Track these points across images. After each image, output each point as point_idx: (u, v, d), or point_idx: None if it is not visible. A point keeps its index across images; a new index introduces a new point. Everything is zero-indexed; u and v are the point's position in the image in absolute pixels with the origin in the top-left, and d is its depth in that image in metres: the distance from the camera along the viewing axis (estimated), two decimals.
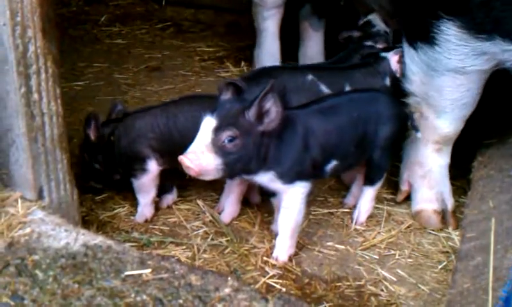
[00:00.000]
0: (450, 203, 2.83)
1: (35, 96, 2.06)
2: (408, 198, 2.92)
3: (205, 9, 5.27)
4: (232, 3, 5.12)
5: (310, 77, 2.79)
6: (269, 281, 2.38)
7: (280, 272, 2.44)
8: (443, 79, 2.54)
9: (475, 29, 2.33)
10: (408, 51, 2.64)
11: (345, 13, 3.68)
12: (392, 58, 2.93)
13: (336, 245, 2.65)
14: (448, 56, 2.45)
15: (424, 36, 2.50)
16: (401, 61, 2.89)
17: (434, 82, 2.57)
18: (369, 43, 3.14)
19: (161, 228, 2.70)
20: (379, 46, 3.12)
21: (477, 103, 2.63)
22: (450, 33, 2.39)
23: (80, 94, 3.95)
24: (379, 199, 2.97)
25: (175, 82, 3.81)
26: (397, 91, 2.96)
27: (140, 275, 1.82)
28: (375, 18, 3.21)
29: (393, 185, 3.05)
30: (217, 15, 5.18)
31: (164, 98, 3.90)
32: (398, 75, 2.92)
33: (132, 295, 1.75)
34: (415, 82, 2.67)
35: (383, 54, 2.96)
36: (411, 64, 2.64)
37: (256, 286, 2.33)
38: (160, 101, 3.85)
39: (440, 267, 2.55)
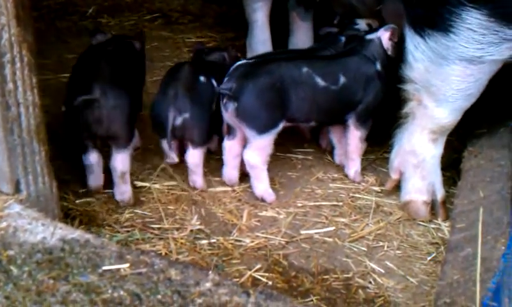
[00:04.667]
0: (440, 194, 2.78)
1: (10, 85, 2.00)
2: (397, 189, 2.87)
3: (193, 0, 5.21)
4: None
5: (305, 69, 2.79)
6: (255, 275, 2.34)
7: (266, 266, 2.39)
8: (453, 68, 2.49)
9: (506, 18, 2.30)
10: (413, 38, 2.58)
11: (321, 9, 3.76)
12: (383, 35, 2.90)
13: (324, 238, 2.60)
14: (466, 45, 2.41)
15: (436, 23, 2.46)
16: (392, 39, 2.90)
17: (442, 70, 2.53)
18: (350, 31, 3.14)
19: (146, 220, 2.65)
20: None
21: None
22: (473, 21, 2.36)
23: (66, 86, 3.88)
24: (367, 190, 2.94)
25: (163, 74, 3.73)
26: (389, 75, 2.95)
27: (118, 270, 1.77)
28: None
29: (381, 177, 3.01)
30: (206, 6, 5.12)
31: (152, 90, 3.84)
32: (390, 53, 2.88)
33: (109, 291, 1.70)
34: (418, 69, 2.61)
35: (369, 36, 2.94)
36: (415, 51, 2.59)
37: (242, 279, 2.29)
38: (148, 93, 3.80)
39: (429, 258, 2.51)
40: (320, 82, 2.81)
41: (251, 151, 2.76)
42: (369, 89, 2.89)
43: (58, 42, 4.54)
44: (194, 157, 2.81)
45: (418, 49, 2.56)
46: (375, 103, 2.92)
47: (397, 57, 2.87)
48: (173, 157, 2.81)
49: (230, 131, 2.83)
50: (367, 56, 2.91)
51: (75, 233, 1.92)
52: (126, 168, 2.72)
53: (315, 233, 2.64)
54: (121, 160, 2.70)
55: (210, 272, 1.78)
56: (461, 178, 2.77)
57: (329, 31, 3.29)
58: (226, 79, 2.79)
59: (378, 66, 2.92)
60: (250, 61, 2.90)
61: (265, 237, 2.57)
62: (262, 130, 2.72)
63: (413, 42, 2.58)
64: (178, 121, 2.72)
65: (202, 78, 2.86)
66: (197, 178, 2.85)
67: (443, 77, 2.53)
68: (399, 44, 2.91)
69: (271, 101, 2.73)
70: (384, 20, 3.14)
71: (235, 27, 4.50)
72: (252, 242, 2.53)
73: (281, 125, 2.78)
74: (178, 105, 2.71)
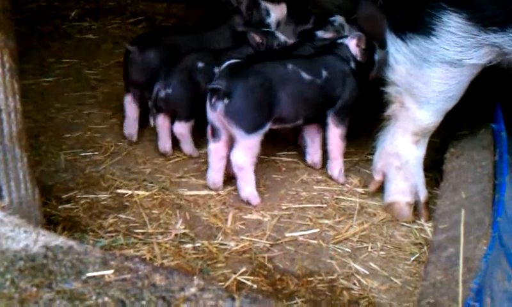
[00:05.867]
0: (423, 195, 2.81)
1: None
2: (381, 190, 2.89)
3: (177, 3, 5.20)
4: None
5: (290, 66, 2.85)
6: (240, 278, 2.34)
7: (251, 269, 2.40)
8: (434, 70, 2.52)
9: (484, 22, 2.32)
10: (394, 41, 2.61)
11: (298, 10, 3.81)
12: (350, 43, 2.98)
13: (309, 240, 2.61)
14: (447, 47, 2.44)
15: (417, 27, 2.48)
16: (359, 45, 2.97)
17: (423, 72, 2.55)
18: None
19: (130, 225, 2.64)
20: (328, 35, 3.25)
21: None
22: (453, 25, 2.38)
23: (48, 91, 3.87)
24: (351, 192, 2.96)
25: None
26: (364, 79, 3.03)
27: (102, 276, 1.75)
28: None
29: (365, 178, 3.02)
30: (190, 9, 5.12)
31: None
32: (359, 59, 2.94)
33: (93, 298, 1.69)
34: (399, 71, 2.64)
35: (340, 40, 3.04)
36: (396, 54, 2.62)
37: (227, 283, 2.29)
38: None
39: (412, 259, 2.53)
40: (305, 76, 2.85)
41: (238, 151, 2.76)
42: (346, 85, 2.95)
43: (40, 46, 4.51)
44: (179, 128, 3.10)
45: (399, 52, 2.59)
46: (351, 100, 2.97)
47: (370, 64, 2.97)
48: (151, 122, 3.11)
49: (215, 133, 2.83)
50: (341, 56, 2.98)
51: (58, 240, 1.90)
52: None
53: (300, 235, 2.64)
54: None
55: (195, 277, 1.77)
56: (443, 179, 2.80)
57: (305, 29, 3.41)
58: (216, 77, 2.82)
59: (352, 65, 2.99)
60: (241, 60, 2.91)
61: (250, 240, 2.58)
62: (250, 129, 2.73)
63: (394, 45, 2.61)
64: (162, 94, 3.03)
65: (200, 64, 3.04)
66: (184, 145, 3.12)
67: (424, 79, 2.56)
68: (369, 49, 2.98)
69: (260, 100, 2.75)
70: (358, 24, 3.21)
71: None
72: (237, 245, 2.53)
73: (268, 125, 2.79)
74: (165, 81, 3.01)
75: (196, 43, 3.32)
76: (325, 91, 2.91)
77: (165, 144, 3.16)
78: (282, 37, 3.30)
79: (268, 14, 3.53)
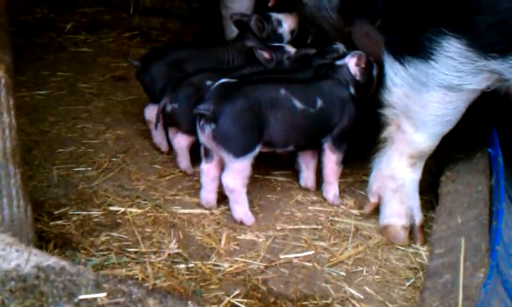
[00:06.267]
0: (418, 218, 2.79)
1: None
2: (376, 212, 2.88)
3: (173, 18, 5.21)
4: (200, 13, 5.07)
5: (283, 91, 2.80)
6: (234, 301, 2.30)
7: (245, 291, 2.36)
8: (432, 94, 2.51)
9: (485, 48, 2.32)
10: (392, 63, 2.61)
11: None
12: (350, 62, 2.94)
13: (303, 262, 2.59)
14: (446, 72, 2.44)
15: (416, 50, 2.48)
16: (359, 64, 2.93)
17: (421, 96, 2.55)
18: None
19: (123, 243, 2.61)
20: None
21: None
22: (453, 50, 2.38)
23: (41, 104, 3.84)
24: (346, 213, 2.94)
25: (140, 92, 3.71)
26: (362, 98, 3.00)
27: (95, 299, 1.72)
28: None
29: (360, 200, 3.01)
30: (186, 25, 5.12)
31: (129, 108, 3.82)
32: (358, 78, 2.91)
33: None
34: (397, 94, 2.63)
35: (338, 62, 2.97)
36: (394, 77, 2.61)
37: (220, 306, 2.26)
38: (125, 112, 3.77)
39: (407, 284, 2.51)
40: (298, 104, 2.81)
41: (228, 174, 2.73)
42: (344, 112, 2.91)
43: (34, 58, 4.49)
44: (181, 139, 3.11)
45: (397, 75, 2.58)
46: (350, 127, 2.94)
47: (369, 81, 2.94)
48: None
49: (207, 154, 2.80)
50: (339, 80, 2.94)
51: (51, 260, 1.86)
52: None
53: (295, 257, 2.61)
54: None
55: (189, 301, 1.74)
56: (439, 202, 2.78)
57: (306, 53, 3.31)
58: (205, 99, 2.77)
59: (352, 90, 2.94)
60: (232, 80, 2.87)
61: (244, 262, 2.54)
62: (238, 153, 2.70)
63: (392, 68, 2.60)
64: (168, 108, 3.05)
65: (209, 83, 2.99)
66: (181, 160, 3.14)
67: (422, 102, 2.55)
68: (368, 69, 2.96)
69: (247, 124, 2.71)
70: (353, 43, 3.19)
71: None
72: (231, 266, 2.49)
73: (258, 149, 2.76)
74: (172, 95, 3.05)
75: (203, 59, 3.32)
76: (319, 120, 2.86)
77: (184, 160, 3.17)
78: (292, 50, 3.26)
79: (280, 24, 3.49)
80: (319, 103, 2.86)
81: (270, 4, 3.62)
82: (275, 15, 3.51)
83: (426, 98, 2.53)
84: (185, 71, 3.19)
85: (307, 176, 3.06)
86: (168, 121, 3.13)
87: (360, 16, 2.94)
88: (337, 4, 3.11)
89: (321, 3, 3.19)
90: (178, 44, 4.41)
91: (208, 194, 2.85)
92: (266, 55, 3.20)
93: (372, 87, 3.02)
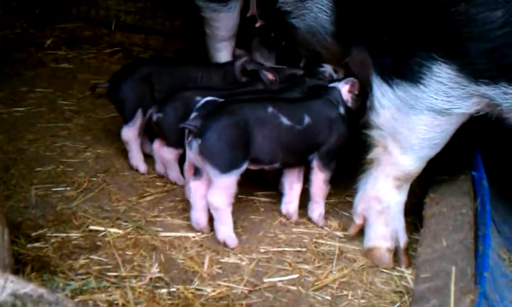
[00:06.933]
0: (403, 241, 2.77)
1: None
2: (360, 234, 2.85)
3: (155, 35, 5.16)
4: (182, 30, 5.03)
5: (271, 109, 2.80)
6: None
7: None
8: (421, 118, 2.50)
9: (475, 75, 2.32)
10: (380, 85, 2.59)
11: (287, 52, 3.80)
12: (343, 88, 2.95)
13: (288, 286, 2.54)
14: (436, 97, 2.42)
15: (405, 74, 2.46)
16: (352, 91, 2.93)
17: (409, 119, 2.53)
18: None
19: (103, 267, 2.53)
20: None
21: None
22: (443, 75, 2.37)
23: (20, 121, 3.76)
24: (330, 235, 2.91)
25: None
26: (352, 120, 2.98)
27: None
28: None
29: (344, 221, 2.98)
30: (168, 42, 5.08)
31: (110, 126, 3.75)
32: (349, 105, 2.90)
33: None
34: (384, 115, 2.62)
35: (332, 85, 2.99)
36: (382, 98, 2.59)
37: None
38: (107, 129, 3.70)
39: None
40: (285, 121, 2.80)
41: (214, 191, 2.69)
42: (332, 131, 2.90)
43: (13, 74, 4.41)
44: (167, 153, 3.15)
45: (385, 96, 2.57)
46: (338, 146, 2.92)
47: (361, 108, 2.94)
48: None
49: (196, 171, 2.77)
50: (330, 100, 2.94)
51: (28, 287, 1.79)
52: None
53: (279, 281, 2.57)
54: None
55: None
56: (424, 225, 2.76)
57: (293, 72, 3.32)
58: (192, 115, 2.78)
59: (341, 110, 2.93)
60: (219, 99, 2.87)
61: (228, 286, 2.49)
62: (224, 169, 2.67)
63: (380, 89, 2.59)
64: (154, 117, 3.11)
65: (198, 99, 2.97)
66: (170, 172, 3.20)
67: (410, 125, 2.54)
68: (362, 95, 2.96)
69: (233, 140, 2.69)
70: (350, 69, 3.18)
71: None
72: (214, 291, 2.44)
73: (244, 166, 2.73)
74: (159, 106, 3.11)
75: (172, 75, 3.37)
76: (306, 137, 2.85)
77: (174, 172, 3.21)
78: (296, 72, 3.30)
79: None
80: (306, 120, 2.85)
81: (257, 25, 3.61)
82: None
83: (414, 121, 2.52)
84: (155, 87, 3.28)
85: (289, 201, 3.01)
86: (155, 131, 3.17)
87: (357, 43, 2.93)
88: (332, 30, 3.09)
89: (315, 28, 3.18)
90: (146, 60, 4.43)
91: (199, 214, 2.79)
92: (271, 76, 3.23)
93: (364, 114, 3.00)
